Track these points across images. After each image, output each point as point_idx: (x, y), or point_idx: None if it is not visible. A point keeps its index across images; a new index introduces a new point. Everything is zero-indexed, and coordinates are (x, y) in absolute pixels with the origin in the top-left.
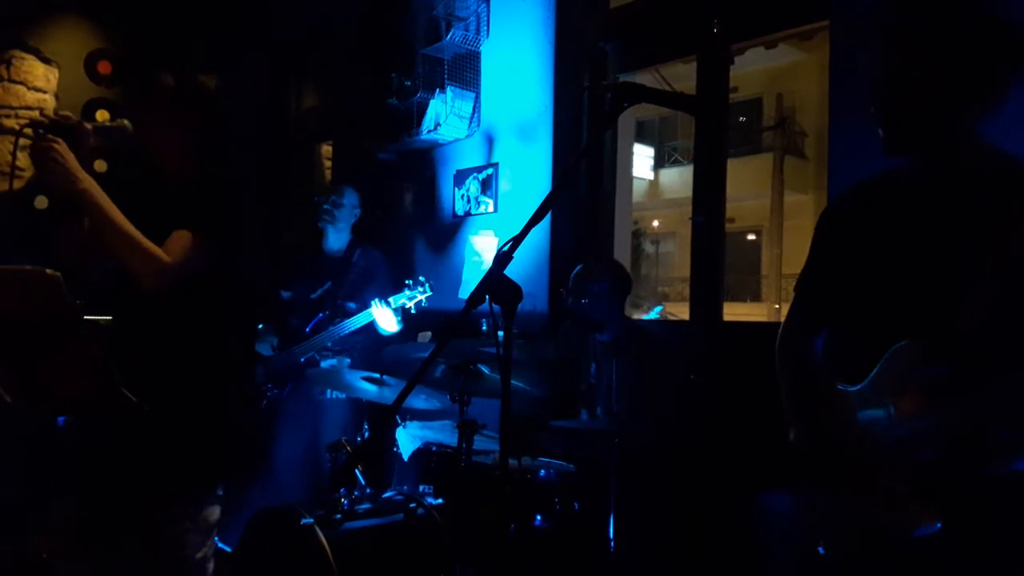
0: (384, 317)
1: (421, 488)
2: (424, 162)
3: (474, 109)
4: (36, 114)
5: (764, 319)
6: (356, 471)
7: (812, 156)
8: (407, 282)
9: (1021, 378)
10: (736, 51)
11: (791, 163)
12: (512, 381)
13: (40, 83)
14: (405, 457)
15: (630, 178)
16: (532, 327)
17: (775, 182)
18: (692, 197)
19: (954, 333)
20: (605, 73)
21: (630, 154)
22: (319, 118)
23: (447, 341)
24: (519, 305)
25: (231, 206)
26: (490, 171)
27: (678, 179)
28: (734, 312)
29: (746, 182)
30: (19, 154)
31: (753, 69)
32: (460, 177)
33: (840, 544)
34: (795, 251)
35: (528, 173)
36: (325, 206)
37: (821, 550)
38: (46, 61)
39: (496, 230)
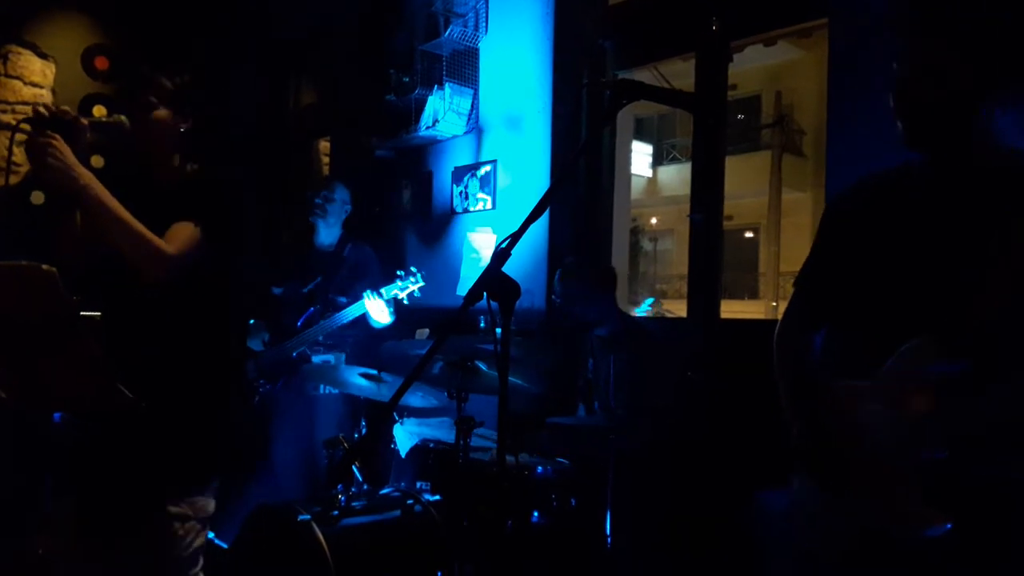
0: (376, 308)
1: (418, 484)
2: (422, 159)
3: (472, 106)
4: (32, 109)
5: (762, 316)
6: (353, 467)
7: (810, 154)
8: (399, 273)
9: None
10: (735, 48)
11: (789, 161)
12: (510, 378)
13: (37, 78)
14: (402, 454)
15: (628, 175)
16: (530, 324)
17: (773, 180)
18: (690, 194)
19: (970, 331)
20: (604, 70)
21: (628, 151)
22: (317, 115)
23: (445, 338)
24: (517, 302)
25: (232, 203)
26: (488, 168)
27: (676, 176)
28: (732, 309)
29: (744, 180)
30: (16, 149)
31: (752, 67)
32: (458, 174)
33: (840, 544)
34: (793, 249)
35: (526, 170)
36: (316, 200)
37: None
38: (43, 56)
39: (494, 227)
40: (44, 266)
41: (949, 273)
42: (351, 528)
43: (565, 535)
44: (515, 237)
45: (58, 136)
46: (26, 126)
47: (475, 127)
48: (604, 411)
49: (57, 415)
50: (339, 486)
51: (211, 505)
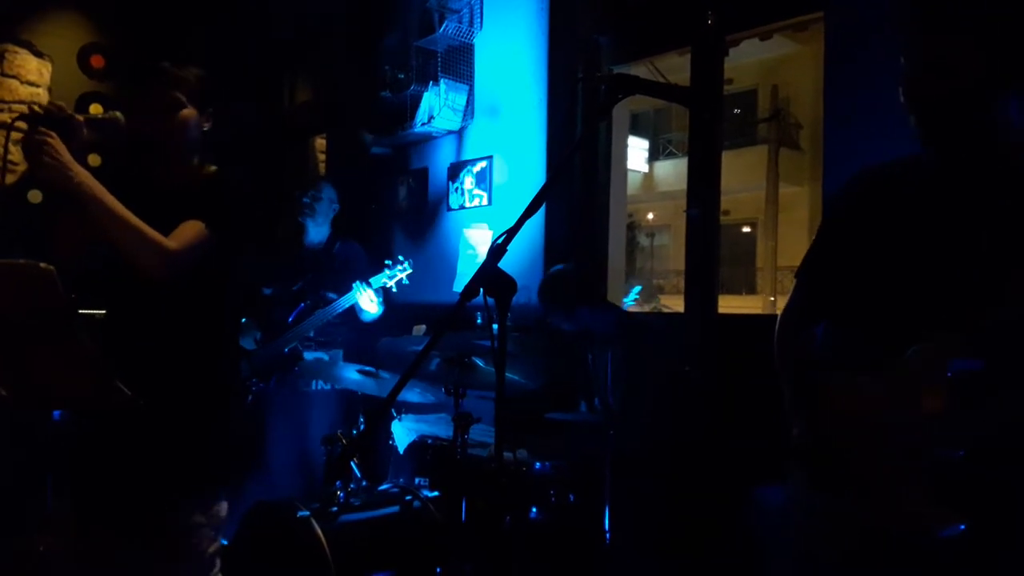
0: (366, 298)
1: (417, 480)
2: (418, 155)
3: (468, 102)
4: (28, 107)
5: (759, 311)
6: (352, 464)
7: (807, 148)
8: (386, 262)
9: None
10: (730, 43)
11: (786, 155)
12: (507, 374)
13: (33, 77)
14: (400, 450)
15: (625, 170)
16: (526, 320)
17: (770, 174)
18: (687, 189)
19: (988, 329)
20: (599, 65)
21: (624, 146)
22: (313, 112)
23: (442, 334)
24: (513, 298)
25: (248, 205)
26: (484, 164)
27: (673, 171)
28: (729, 305)
29: (741, 174)
30: (12, 148)
31: (748, 61)
32: (454, 170)
33: (842, 543)
34: (790, 243)
35: (522, 166)
36: (304, 200)
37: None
38: (39, 55)
39: (490, 223)
40: (42, 264)
41: (964, 270)
42: (350, 524)
43: (563, 531)
44: (511, 233)
45: (54, 134)
46: (22, 124)
47: (470, 123)
48: (603, 407)
49: (56, 413)
50: (338, 482)
51: (224, 509)
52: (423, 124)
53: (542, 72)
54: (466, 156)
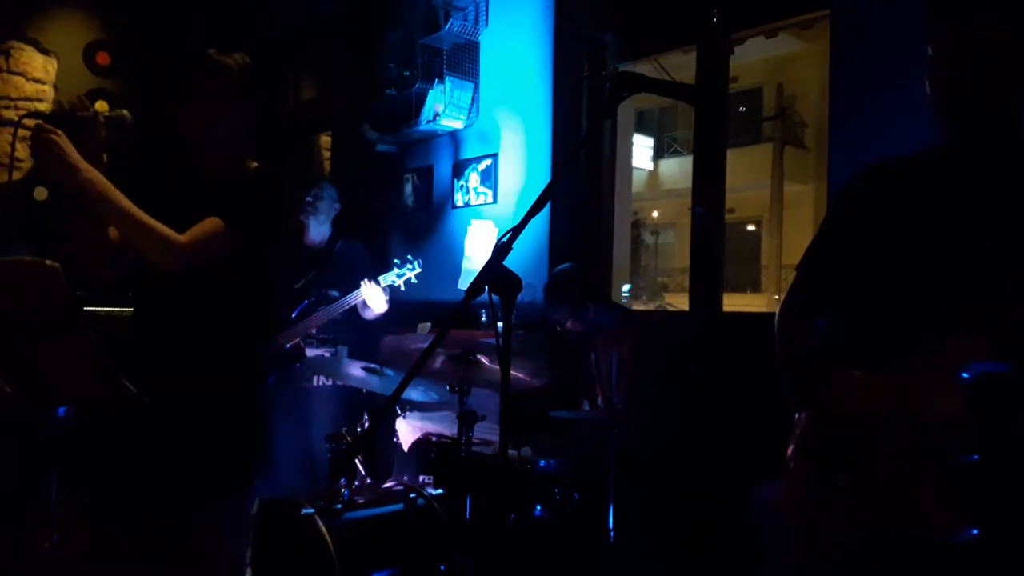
0: (373, 296)
1: (421, 478)
2: (423, 153)
3: (473, 99)
4: (35, 106)
5: (764, 309)
6: (356, 461)
7: (812, 146)
8: (395, 261)
9: None
10: (736, 41)
11: (791, 153)
12: (512, 372)
13: (39, 74)
14: (405, 448)
15: (630, 168)
16: (531, 317)
17: (775, 172)
18: (692, 187)
19: (1012, 330)
20: (604, 63)
21: (630, 144)
22: (318, 109)
23: (446, 332)
24: (518, 296)
25: (268, 202)
26: (489, 161)
27: (678, 169)
28: (734, 303)
29: (746, 172)
30: (18, 145)
31: (753, 59)
32: (459, 167)
33: (843, 543)
34: (795, 241)
35: (527, 163)
36: (307, 199)
37: None
38: (45, 52)
39: (495, 220)
40: (47, 261)
41: (980, 267)
42: (354, 521)
43: (567, 529)
44: (516, 231)
45: (59, 131)
46: (30, 122)
47: (475, 121)
48: (606, 406)
49: (61, 410)
50: (342, 480)
51: (254, 507)
52: (428, 122)
53: (547, 70)
54: (471, 154)
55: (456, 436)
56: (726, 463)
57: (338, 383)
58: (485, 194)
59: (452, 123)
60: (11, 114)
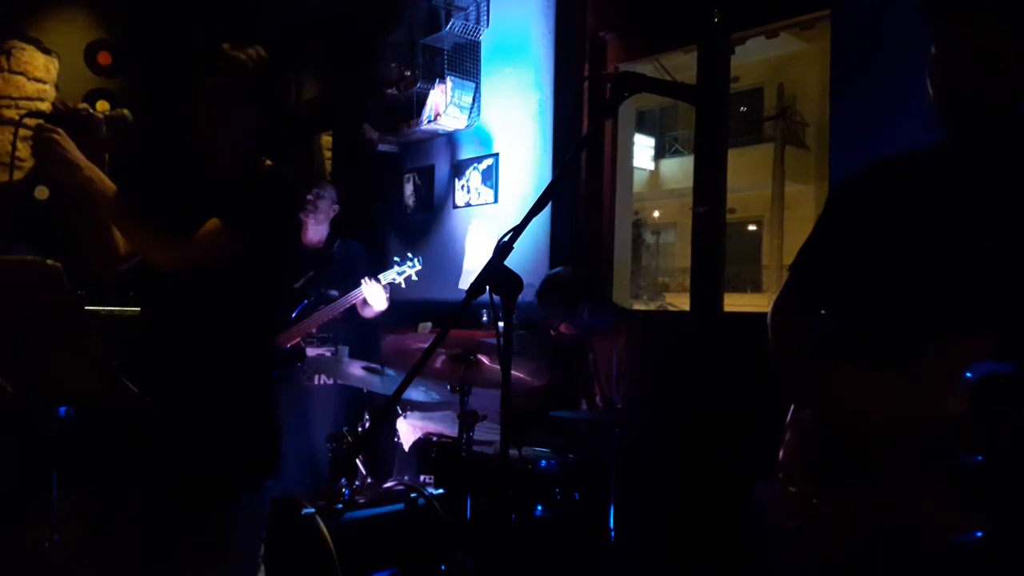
0: (374, 294)
1: (422, 478)
2: (424, 153)
3: (474, 99)
4: (36, 105)
5: (765, 310)
6: (357, 461)
7: (813, 146)
8: (395, 259)
9: None
10: (737, 40)
11: (792, 153)
12: (512, 371)
13: (40, 74)
14: (406, 447)
15: (631, 168)
16: (532, 317)
17: (776, 172)
18: (693, 187)
19: (1018, 328)
20: (605, 63)
21: (631, 144)
22: (319, 109)
23: (447, 331)
24: (519, 296)
25: (276, 203)
26: (490, 161)
27: (679, 169)
28: (735, 303)
29: (747, 172)
30: (19, 144)
31: (754, 59)
32: (460, 167)
33: (845, 542)
34: (796, 241)
35: (528, 163)
36: (308, 197)
37: None
38: (46, 52)
39: (496, 220)
40: (48, 261)
41: (985, 266)
42: (355, 521)
43: (568, 529)
44: (517, 231)
45: (60, 130)
46: (31, 121)
47: (477, 120)
48: (606, 405)
49: (63, 410)
50: (343, 479)
51: (267, 506)
52: (429, 121)
53: (548, 70)
54: (472, 153)
55: (457, 436)
56: (727, 463)
57: (339, 382)
58: (486, 194)
59: (453, 123)
60: (12, 113)
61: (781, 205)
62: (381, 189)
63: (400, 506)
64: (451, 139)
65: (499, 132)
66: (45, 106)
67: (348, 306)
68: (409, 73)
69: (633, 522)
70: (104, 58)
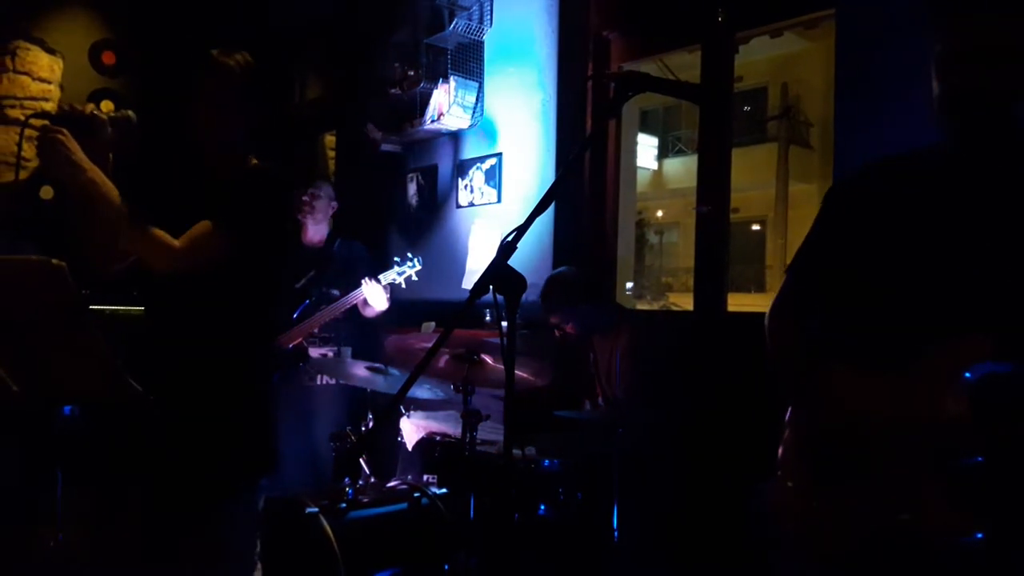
0: (374, 294)
1: (425, 477)
2: (427, 152)
3: (478, 99)
4: (41, 105)
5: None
6: (360, 460)
7: (817, 146)
8: (395, 259)
9: None
10: (741, 40)
11: (796, 153)
12: (516, 371)
13: (45, 74)
14: (409, 447)
15: (634, 168)
16: (535, 317)
17: (780, 172)
18: (696, 187)
19: (1018, 329)
20: (609, 62)
21: (634, 144)
22: (323, 109)
23: (451, 331)
24: (523, 295)
25: (267, 203)
26: (493, 161)
27: (682, 169)
28: (738, 303)
29: (751, 172)
30: (25, 144)
31: (758, 58)
32: (463, 167)
33: (845, 545)
34: (800, 241)
35: (532, 163)
36: (304, 197)
37: None
38: (51, 52)
39: (500, 220)
40: (53, 260)
41: (985, 268)
42: (358, 520)
43: (572, 528)
44: (521, 230)
45: (65, 130)
46: (36, 121)
47: (480, 120)
48: (608, 405)
49: (67, 408)
50: (346, 479)
51: (261, 504)
52: (433, 121)
53: (552, 69)
54: (475, 153)
55: (460, 435)
56: (730, 463)
57: (342, 382)
58: (490, 193)
59: (456, 123)
60: (17, 113)
61: (785, 205)
62: (384, 189)
63: (403, 505)
64: (454, 139)
65: (502, 132)
66: (50, 106)
67: (349, 306)
68: (412, 73)
69: (636, 522)
70: (108, 58)
